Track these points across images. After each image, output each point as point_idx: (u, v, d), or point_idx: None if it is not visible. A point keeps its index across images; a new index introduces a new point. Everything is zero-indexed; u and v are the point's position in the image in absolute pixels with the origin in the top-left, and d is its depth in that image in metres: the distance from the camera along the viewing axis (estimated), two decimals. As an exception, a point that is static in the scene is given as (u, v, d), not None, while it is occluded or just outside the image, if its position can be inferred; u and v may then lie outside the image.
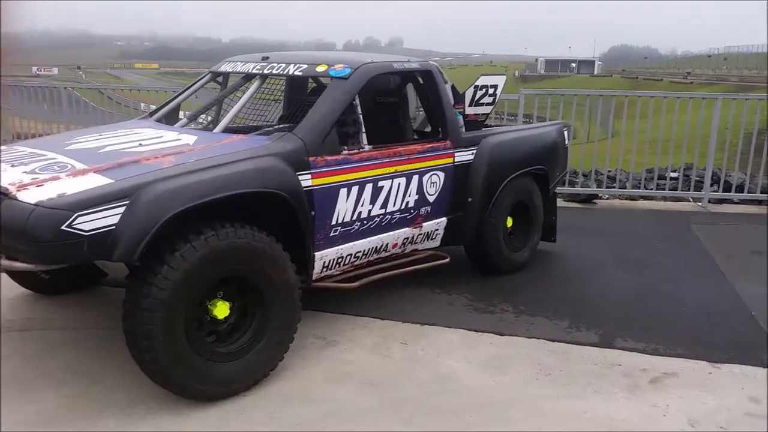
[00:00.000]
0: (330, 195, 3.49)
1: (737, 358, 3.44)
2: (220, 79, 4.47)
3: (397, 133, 4.39)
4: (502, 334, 3.71)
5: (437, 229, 4.30)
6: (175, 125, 3.96)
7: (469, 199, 4.39)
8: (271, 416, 2.82)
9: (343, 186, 3.55)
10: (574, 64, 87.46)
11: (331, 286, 3.71)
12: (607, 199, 7.64)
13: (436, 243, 4.38)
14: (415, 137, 4.54)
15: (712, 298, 4.35)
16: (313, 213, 3.40)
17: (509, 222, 4.82)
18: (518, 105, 7.32)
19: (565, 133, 5.34)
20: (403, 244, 4.11)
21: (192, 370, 2.80)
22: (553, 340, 3.64)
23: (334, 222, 3.55)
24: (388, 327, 3.79)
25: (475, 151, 4.42)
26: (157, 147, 3.29)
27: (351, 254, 3.74)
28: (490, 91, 5.01)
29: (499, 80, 5.11)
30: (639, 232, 6.06)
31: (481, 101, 4.99)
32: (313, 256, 3.49)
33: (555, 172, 5.14)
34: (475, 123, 4.99)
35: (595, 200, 7.49)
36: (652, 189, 7.47)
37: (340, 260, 3.69)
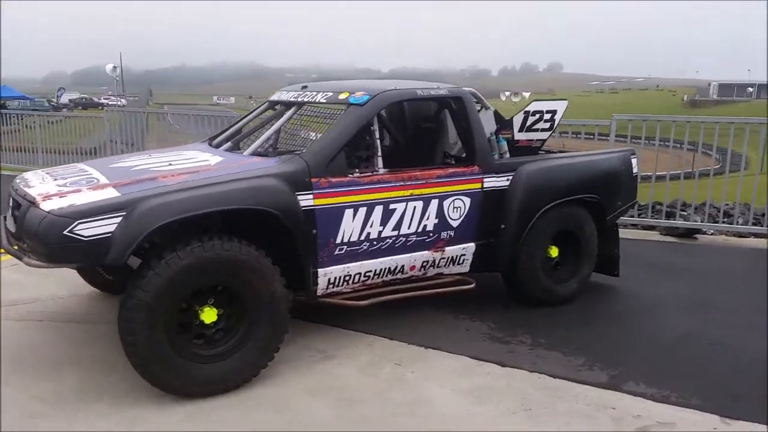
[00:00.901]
0: (334, 215, 3.64)
1: (757, 416, 3.05)
2: (278, 107, 4.80)
3: (427, 158, 4.43)
4: (504, 365, 3.60)
5: (464, 254, 4.26)
6: (220, 148, 4.34)
7: (503, 226, 4.31)
8: (237, 419, 3.00)
9: (348, 207, 3.68)
10: (751, 89, 79.65)
11: (337, 302, 3.84)
12: (712, 234, 6.97)
13: (465, 268, 4.34)
14: (451, 161, 4.54)
15: (770, 349, 3.86)
16: (314, 231, 3.57)
17: (554, 252, 4.64)
18: (610, 130, 6.95)
19: (633, 161, 5.03)
20: (423, 267, 4.13)
21: (170, 368, 3.07)
22: (555, 377, 3.46)
23: (339, 241, 3.68)
24: (391, 347, 3.83)
25: (510, 178, 4.34)
26: (181, 166, 3.66)
27: (360, 273, 3.84)
28: (546, 116, 4.89)
29: (559, 105, 4.97)
30: (726, 272, 5.50)
31: (535, 127, 4.88)
32: (316, 272, 3.65)
33: (614, 201, 4.85)
34: (528, 149, 4.89)
35: (696, 235, 6.87)
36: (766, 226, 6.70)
37: (348, 278, 3.81)
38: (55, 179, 3.55)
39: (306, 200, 3.51)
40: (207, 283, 3.17)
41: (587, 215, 4.69)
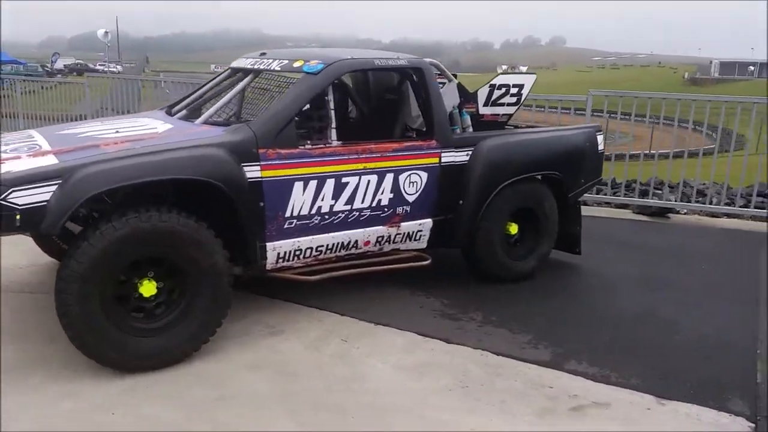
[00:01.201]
0: (283, 187, 3.58)
1: (694, 397, 3.05)
2: (238, 74, 4.71)
3: (386, 131, 4.36)
4: (449, 342, 3.59)
5: (421, 230, 4.22)
6: (175, 116, 4.26)
7: (461, 202, 4.27)
8: (170, 394, 2.98)
9: (298, 179, 3.63)
10: (752, 67, 78.97)
11: (287, 277, 3.81)
12: (685, 214, 6.94)
13: (422, 244, 4.30)
14: (412, 135, 4.48)
15: (722, 330, 3.87)
16: (262, 204, 3.52)
17: (514, 229, 4.60)
18: (586, 106, 6.86)
19: (599, 138, 4.97)
20: (378, 242, 4.09)
21: (106, 341, 3.04)
22: (498, 354, 3.46)
23: (288, 214, 3.64)
24: (341, 323, 3.81)
25: (470, 153, 4.28)
26: (127, 134, 3.60)
27: (312, 248, 3.80)
28: (513, 90, 4.82)
29: (527, 79, 4.91)
30: (691, 252, 5.48)
31: (501, 101, 4.81)
32: (264, 246, 3.61)
33: (576, 178, 4.80)
34: (494, 124, 4.83)
35: (669, 215, 6.84)
36: (739, 207, 6.67)
37: (298, 252, 3.77)
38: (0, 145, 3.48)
39: (253, 172, 3.45)
40: (145, 255, 3.13)
41: (548, 192, 4.65)
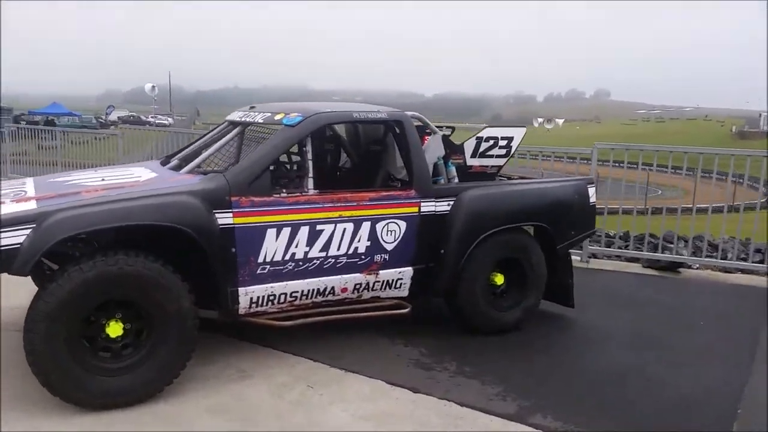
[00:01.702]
0: (255, 234, 3.68)
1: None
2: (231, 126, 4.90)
3: (367, 180, 4.45)
4: (416, 391, 3.56)
5: (401, 278, 4.24)
6: (166, 166, 4.44)
7: (442, 251, 4.28)
8: (127, 433, 3.03)
9: (271, 226, 3.72)
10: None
11: (261, 322, 3.86)
12: (698, 268, 6.75)
13: (403, 292, 4.31)
14: (396, 185, 4.54)
15: (705, 390, 3.72)
16: (234, 249, 3.61)
17: (500, 279, 4.58)
18: (591, 158, 6.83)
19: (590, 190, 4.94)
20: (357, 289, 4.12)
21: (69, 379, 3.13)
22: (462, 405, 3.41)
23: (261, 260, 3.72)
24: (312, 369, 3.82)
25: (451, 203, 4.32)
26: (111, 182, 3.78)
27: (286, 293, 3.86)
28: (502, 143, 4.88)
29: (516, 132, 4.97)
30: (693, 308, 5.32)
31: (489, 153, 4.87)
32: (236, 291, 3.68)
33: (564, 230, 4.76)
34: (483, 175, 4.88)
35: (680, 269, 6.66)
36: (753, 262, 6.46)
37: (272, 298, 3.83)
38: (-9, 192, 3.70)
39: (224, 218, 3.56)
40: (113, 297, 3.24)
41: (534, 243, 4.62)
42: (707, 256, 6.63)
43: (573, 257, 6.75)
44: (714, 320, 5.02)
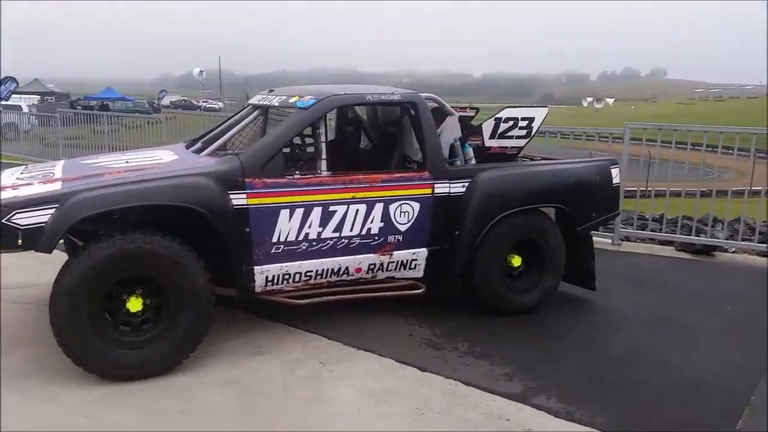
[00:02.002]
0: (269, 214, 3.78)
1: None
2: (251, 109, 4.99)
3: (383, 162, 4.49)
4: (424, 370, 3.62)
5: (415, 259, 4.29)
6: (190, 149, 4.59)
7: (457, 232, 4.31)
8: (140, 402, 3.18)
9: (284, 207, 3.82)
10: None
11: (277, 300, 3.98)
12: (734, 252, 6.55)
13: (418, 273, 4.36)
14: (413, 166, 4.57)
15: (720, 375, 3.66)
16: (248, 229, 3.73)
17: (517, 261, 4.57)
18: (624, 138, 6.68)
19: (614, 171, 4.86)
20: (371, 270, 4.19)
21: (91, 351, 3.32)
22: (468, 384, 3.45)
23: (275, 240, 3.83)
24: (326, 346, 3.92)
25: (466, 184, 4.33)
26: (134, 164, 3.94)
27: (300, 272, 3.96)
28: (522, 123, 4.85)
29: (538, 113, 4.93)
30: (720, 292, 5.19)
31: (509, 134, 4.85)
32: (252, 270, 3.81)
33: (585, 212, 4.71)
34: (503, 156, 4.87)
35: (714, 253, 6.48)
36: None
37: (287, 277, 3.94)
38: (23, 173, 3.92)
39: (239, 199, 3.68)
40: (131, 274, 3.40)
41: (552, 225, 4.59)
42: (744, 240, 6.42)
43: (605, 240, 6.70)
44: (741, 305, 4.90)
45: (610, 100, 77.76)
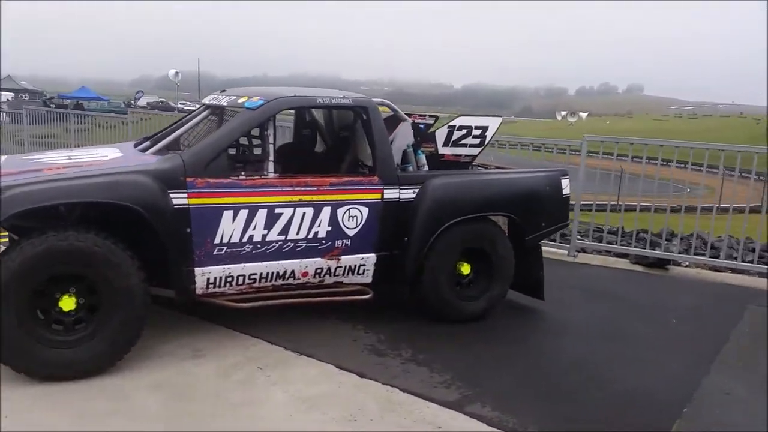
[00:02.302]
0: (211, 215, 3.73)
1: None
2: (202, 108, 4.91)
3: (333, 166, 4.47)
4: (362, 376, 3.59)
5: (364, 265, 4.26)
6: (138, 147, 4.51)
7: (406, 238, 4.30)
8: (68, 404, 3.11)
9: (227, 208, 3.77)
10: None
11: (218, 303, 3.92)
12: (687, 266, 6.64)
13: (366, 279, 4.33)
14: (365, 171, 4.55)
15: (655, 386, 3.69)
16: (188, 230, 3.67)
17: (466, 269, 4.57)
18: (581, 151, 6.75)
19: (563, 181, 4.89)
20: (318, 274, 4.15)
21: (20, 350, 3.22)
22: (404, 391, 3.43)
23: (217, 241, 3.77)
24: (267, 351, 3.87)
25: (417, 190, 4.32)
26: (76, 161, 3.87)
27: (244, 275, 3.91)
28: (476, 132, 4.86)
29: (491, 122, 4.94)
30: (668, 306, 5.24)
31: (462, 142, 4.86)
32: (192, 271, 3.74)
33: (536, 222, 4.73)
34: (456, 164, 4.88)
35: (668, 266, 6.56)
36: (742, 261, 6.33)
37: (230, 279, 3.88)
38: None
39: (179, 199, 3.62)
40: (64, 272, 3.32)
41: (501, 234, 4.61)
42: (696, 254, 6.52)
43: (561, 251, 6.75)
44: (687, 318, 4.95)
45: (584, 114, 78.83)
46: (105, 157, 3.98)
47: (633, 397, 3.54)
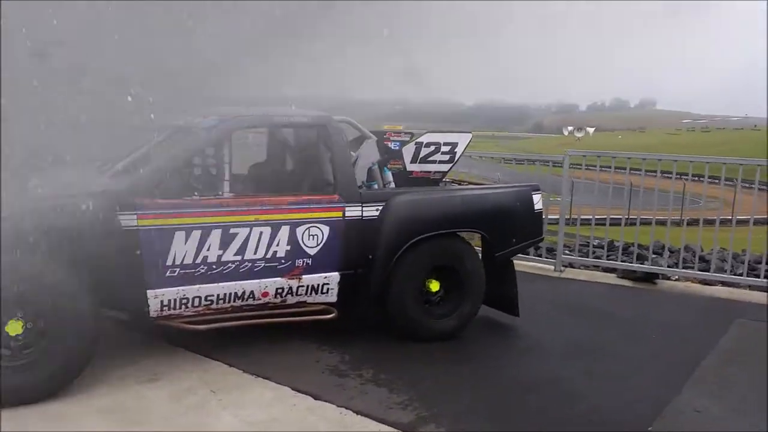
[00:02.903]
0: (161, 236, 3.66)
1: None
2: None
3: (294, 184, 4.40)
4: (317, 399, 3.49)
5: (327, 284, 4.18)
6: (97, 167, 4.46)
7: (370, 256, 4.21)
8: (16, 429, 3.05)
9: (179, 229, 3.70)
10: None
11: (174, 325, 3.84)
12: (676, 280, 6.47)
13: (331, 298, 4.24)
14: (329, 189, 4.46)
15: (623, 404, 3.57)
16: (138, 252, 3.61)
17: (435, 286, 4.47)
18: (563, 165, 6.65)
19: (535, 197, 4.78)
20: (279, 294, 4.07)
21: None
22: (358, 413, 3.33)
23: (169, 263, 3.70)
24: (223, 374, 3.79)
25: (381, 208, 4.25)
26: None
27: (200, 297, 3.83)
28: (445, 149, 4.80)
29: (461, 138, 4.87)
30: (651, 321, 5.09)
31: (431, 159, 4.79)
32: (145, 293, 3.68)
33: (506, 237, 4.63)
34: (426, 180, 4.81)
35: (657, 280, 6.40)
36: (732, 274, 6.17)
37: (185, 301, 3.80)
38: None
39: (128, 220, 3.56)
40: (7, 296, 3.27)
41: (470, 250, 4.51)
42: (685, 267, 6.35)
43: (547, 266, 6.62)
44: (668, 334, 4.80)
45: (591, 129, 78.54)
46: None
47: (598, 414, 3.41)
